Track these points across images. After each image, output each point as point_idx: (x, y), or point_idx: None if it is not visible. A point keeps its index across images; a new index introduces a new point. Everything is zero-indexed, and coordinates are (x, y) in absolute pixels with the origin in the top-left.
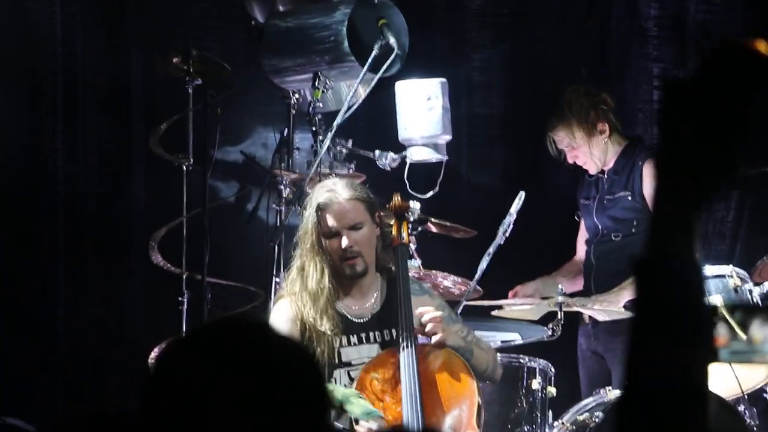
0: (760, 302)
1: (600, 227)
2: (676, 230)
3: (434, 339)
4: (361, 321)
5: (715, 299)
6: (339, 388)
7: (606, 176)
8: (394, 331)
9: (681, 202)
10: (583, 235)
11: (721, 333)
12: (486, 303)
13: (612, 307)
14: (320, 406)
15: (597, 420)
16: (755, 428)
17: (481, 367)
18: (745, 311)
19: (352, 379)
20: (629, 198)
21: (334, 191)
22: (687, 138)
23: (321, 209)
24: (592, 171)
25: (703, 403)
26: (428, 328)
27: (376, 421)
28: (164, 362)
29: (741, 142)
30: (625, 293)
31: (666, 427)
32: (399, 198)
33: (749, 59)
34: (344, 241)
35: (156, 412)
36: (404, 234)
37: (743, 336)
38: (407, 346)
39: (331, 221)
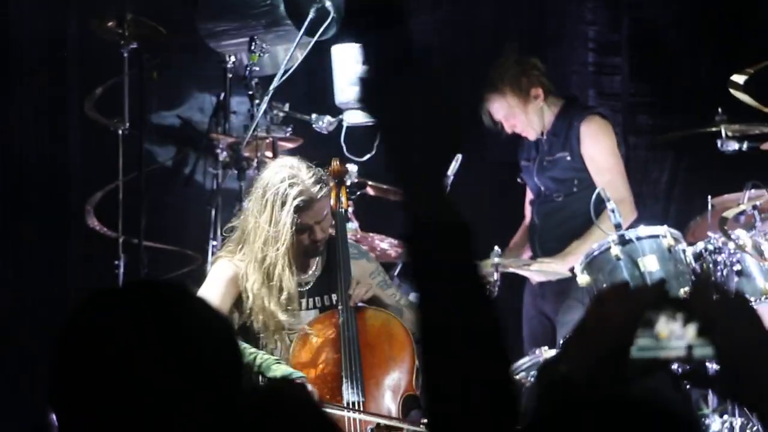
0: (693, 262)
1: (542, 188)
2: (423, 198)
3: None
4: (304, 288)
5: (650, 260)
6: (260, 354)
7: (545, 138)
8: (334, 296)
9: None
10: (529, 198)
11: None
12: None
13: (552, 269)
14: (234, 368)
15: (532, 380)
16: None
17: (412, 329)
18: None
19: (291, 343)
20: (568, 158)
21: (308, 190)
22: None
23: (299, 210)
24: (532, 137)
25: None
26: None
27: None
28: (79, 319)
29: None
30: (570, 258)
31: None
32: (338, 163)
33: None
34: (318, 234)
35: (68, 370)
36: (342, 199)
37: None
38: (346, 309)
39: (306, 220)
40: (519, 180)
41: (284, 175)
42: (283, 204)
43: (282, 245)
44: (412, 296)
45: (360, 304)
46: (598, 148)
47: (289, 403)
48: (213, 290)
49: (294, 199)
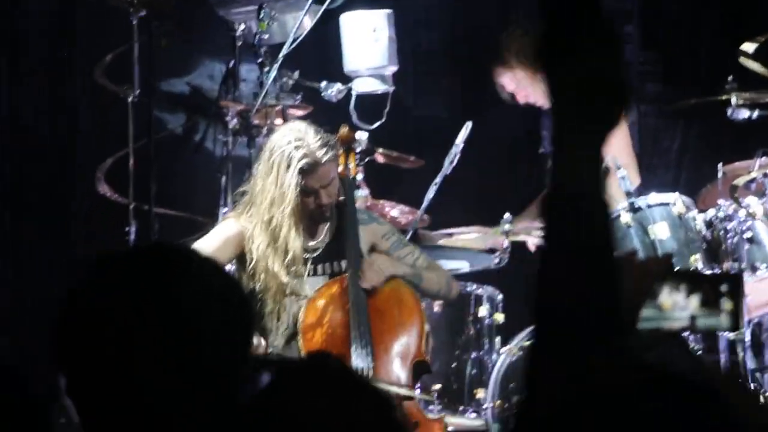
0: (704, 229)
1: None
2: (579, 167)
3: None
4: (313, 254)
5: (660, 227)
6: None
7: None
8: (343, 263)
9: (580, 134)
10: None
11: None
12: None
13: None
14: (244, 331)
15: None
16: (699, 352)
17: (433, 289)
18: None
19: (300, 309)
20: None
21: (313, 153)
22: (572, 77)
23: (303, 172)
24: (547, 106)
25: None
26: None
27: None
28: (79, 298)
29: (619, 71)
30: None
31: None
32: (346, 130)
33: None
34: (324, 199)
35: (73, 335)
36: (351, 166)
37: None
38: (355, 275)
39: (312, 183)
40: (541, 151)
41: (290, 138)
42: (288, 166)
43: (287, 206)
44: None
45: None
46: None
47: (333, 368)
48: (210, 242)
49: (299, 161)
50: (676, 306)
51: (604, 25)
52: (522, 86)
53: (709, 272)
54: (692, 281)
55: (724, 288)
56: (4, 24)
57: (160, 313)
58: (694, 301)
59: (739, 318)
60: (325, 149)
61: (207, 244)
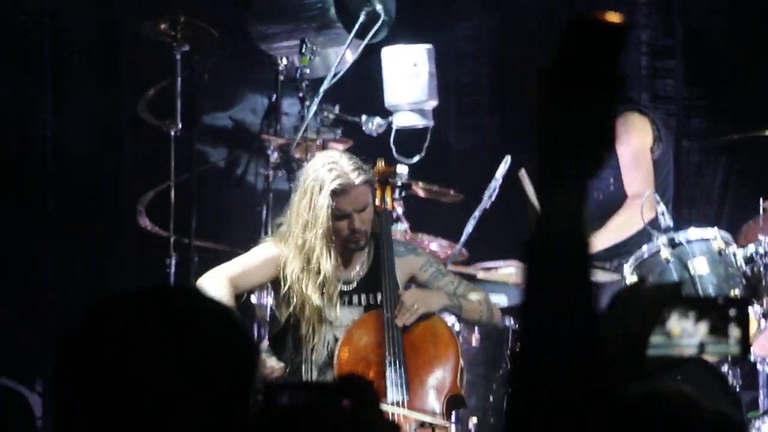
0: (744, 264)
1: None
2: (561, 207)
3: (400, 322)
4: (348, 285)
5: (700, 262)
6: None
7: None
8: (379, 295)
9: (563, 175)
10: None
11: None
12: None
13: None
14: (245, 373)
15: None
16: (738, 389)
17: (475, 317)
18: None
19: (336, 339)
20: None
21: (346, 175)
22: (561, 117)
23: (335, 195)
24: None
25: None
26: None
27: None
28: (84, 323)
29: (610, 113)
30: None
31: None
32: (383, 163)
33: (606, 31)
34: (356, 223)
35: (75, 372)
36: (388, 199)
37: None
38: (391, 309)
39: (344, 206)
40: None
41: (324, 161)
42: (321, 188)
43: (320, 229)
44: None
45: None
46: (627, 146)
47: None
48: (246, 260)
49: (331, 182)
50: (685, 333)
51: (612, 72)
52: None
53: (717, 298)
54: (701, 308)
55: (732, 314)
56: (52, 59)
57: (157, 352)
58: (703, 327)
59: (747, 344)
60: (357, 172)
61: (243, 262)
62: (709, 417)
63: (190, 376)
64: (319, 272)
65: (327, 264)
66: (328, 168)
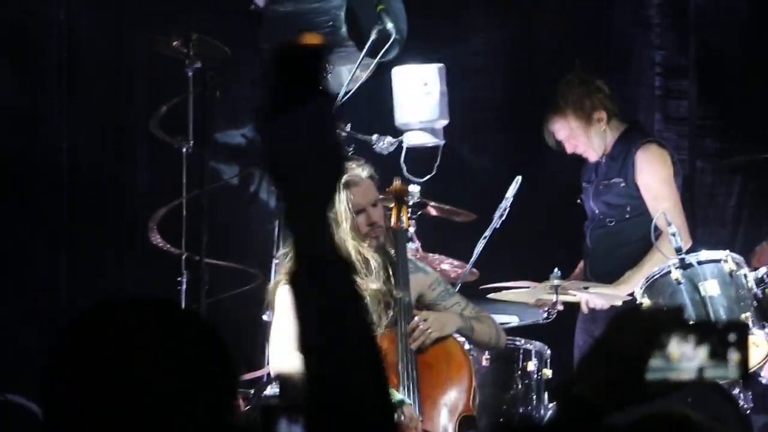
0: (754, 286)
1: (596, 212)
2: (308, 230)
3: (414, 345)
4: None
5: (711, 284)
6: None
7: (603, 161)
8: (390, 312)
9: (301, 200)
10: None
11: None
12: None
13: (608, 291)
14: (226, 392)
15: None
16: (749, 412)
17: (484, 339)
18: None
19: None
20: (623, 185)
21: (352, 169)
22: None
23: (347, 187)
24: (593, 159)
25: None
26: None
27: (406, 410)
28: (67, 337)
29: (333, 140)
30: (624, 287)
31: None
32: (399, 183)
33: (306, 55)
34: (374, 215)
35: (57, 388)
36: (403, 218)
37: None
38: (404, 328)
39: (357, 198)
40: (578, 201)
41: None
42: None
43: (346, 222)
44: None
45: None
46: (654, 177)
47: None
48: (287, 323)
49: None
50: (684, 356)
51: (320, 97)
52: (574, 135)
53: (716, 322)
54: (700, 332)
55: (731, 338)
56: (65, 76)
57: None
58: (703, 351)
59: (747, 368)
60: (361, 168)
61: (287, 324)
62: None
63: (189, 377)
64: (360, 260)
65: (361, 248)
66: None
